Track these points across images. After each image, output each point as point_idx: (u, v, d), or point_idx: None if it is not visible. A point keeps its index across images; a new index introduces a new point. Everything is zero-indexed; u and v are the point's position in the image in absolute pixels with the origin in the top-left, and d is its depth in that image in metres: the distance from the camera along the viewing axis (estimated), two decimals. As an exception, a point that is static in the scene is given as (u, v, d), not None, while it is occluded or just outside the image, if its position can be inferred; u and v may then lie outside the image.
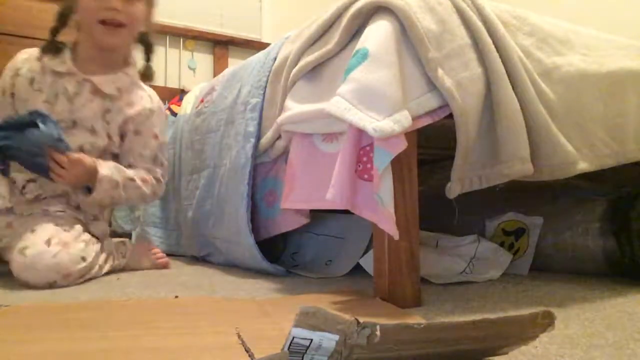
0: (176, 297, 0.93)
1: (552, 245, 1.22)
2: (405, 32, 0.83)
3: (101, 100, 1.24)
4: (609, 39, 1.16)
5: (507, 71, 0.88)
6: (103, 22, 1.18)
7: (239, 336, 0.61)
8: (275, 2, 3.25)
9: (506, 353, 0.56)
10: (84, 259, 1.08)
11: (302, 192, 0.97)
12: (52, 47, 1.23)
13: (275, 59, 1.20)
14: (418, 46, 0.82)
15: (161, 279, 1.17)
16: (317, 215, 1.30)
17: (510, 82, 0.88)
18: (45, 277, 1.01)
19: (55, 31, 1.24)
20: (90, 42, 1.23)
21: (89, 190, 1.18)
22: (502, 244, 1.27)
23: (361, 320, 0.44)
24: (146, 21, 1.28)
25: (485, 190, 0.93)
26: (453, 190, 0.88)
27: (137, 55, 1.36)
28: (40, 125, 1.09)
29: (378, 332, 0.44)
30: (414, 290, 0.86)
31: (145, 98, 1.31)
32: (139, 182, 1.24)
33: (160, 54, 2.79)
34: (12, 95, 1.22)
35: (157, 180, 1.29)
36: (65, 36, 1.26)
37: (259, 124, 1.22)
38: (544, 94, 0.93)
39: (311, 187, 0.95)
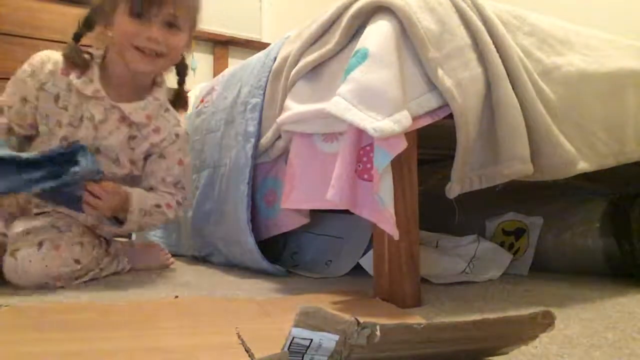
0: (176, 297, 0.93)
1: (552, 245, 1.22)
2: (405, 32, 0.83)
3: (127, 128, 1.18)
4: (609, 39, 1.16)
5: (507, 71, 0.88)
6: (140, 49, 1.10)
7: (239, 336, 0.61)
8: (275, 2, 3.26)
9: (506, 353, 0.56)
10: (77, 261, 1.07)
11: (302, 192, 0.97)
12: (79, 60, 1.14)
13: (275, 59, 1.20)
14: (418, 46, 0.82)
15: (161, 279, 1.17)
16: (317, 215, 1.30)
17: (510, 82, 0.88)
18: (35, 280, 1.00)
19: (78, 37, 1.15)
20: (122, 63, 1.14)
21: (117, 220, 1.14)
22: (502, 244, 1.27)
23: (361, 320, 0.44)
24: (186, 47, 1.20)
25: (485, 190, 0.93)
26: (453, 190, 0.88)
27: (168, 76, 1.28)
28: (82, 160, 1.01)
29: (378, 332, 0.44)
30: (414, 290, 0.86)
31: (172, 122, 1.24)
32: (164, 208, 1.20)
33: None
34: (36, 107, 1.14)
35: (178, 203, 1.24)
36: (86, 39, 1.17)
37: (259, 124, 1.22)
38: (544, 93, 0.93)
39: (311, 187, 0.94)
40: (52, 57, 1.16)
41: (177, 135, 1.24)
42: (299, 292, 0.99)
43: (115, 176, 1.17)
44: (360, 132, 0.80)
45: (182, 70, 1.28)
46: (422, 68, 0.83)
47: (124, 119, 1.17)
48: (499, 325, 0.51)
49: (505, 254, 1.20)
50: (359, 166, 0.82)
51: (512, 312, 0.72)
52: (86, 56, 1.15)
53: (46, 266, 1.01)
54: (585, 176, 1.06)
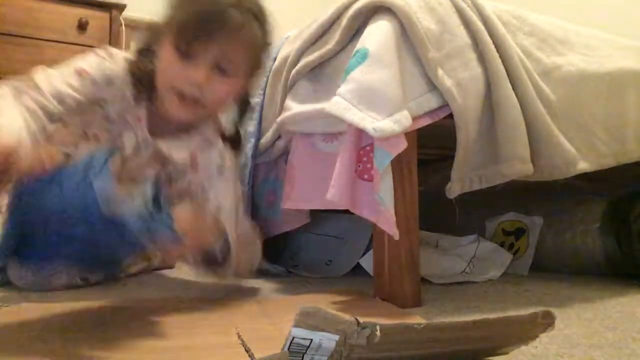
0: (176, 297, 0.93)
1: (552, 245, 1.22)
2: (405, 32, 0.83)
3: (160, 167, 0.98)
4: (609, 39, 1.16)
5: (507, 71, 0.88)
6: (179, 93, 0.88)
7: (239, 336, 0.61)
8: (275, 2, 3.26)
9: (506, 353, 0.56)
10: (85, 280, 1.02)
11: (302, 192, 0.97)
12: (144, 80, 0.93)
13: (275, 59, 1.20)
14: (418, 46, 0.82)
15: (161, 279, 1.17)
16: (317, 215, 1.30)
17: (510, 82, 0.89)
18: (38, 290, 0.96)
19: (143, 54, 0.94)
20: (161, 103, 0.93)
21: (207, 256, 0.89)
22: (502, 244, 1.26)
23: (361, 320, 0.44)
24: (247, 88, 0.99)
25: (485, 190, 0.93)
26: (453, 190, 0.88)
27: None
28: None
29: (378, 332, 0.44)
30: (414, 290, 0.86)
31: (215, 159, 0.99)
32: (254, 233, 1.00)
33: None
34: (78, 113, 0.92)
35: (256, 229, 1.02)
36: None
37: (259, 124, 1.22)
38: (544, 93, 0.93)
39: (311, 187, 0.94)
40: (121, 75, 0.93)
41: (220, 167, 1.00)
42: (299, 292, 0.99)
43: None
44: (360, 132, 0.80)
45: (243, 108, 1.04)
46: (422, 68, 0.83)
47: (158, 156, 0.97)
48: (499, 325, 0.51)
49: (505, 254, 1.20)
50: (359, 166, 0.82)
51: (512, 312, 0.72)
52: (151, 84, 0.92)
53: (52, 287, 0.97)
54: (585, 176, 1.06)
